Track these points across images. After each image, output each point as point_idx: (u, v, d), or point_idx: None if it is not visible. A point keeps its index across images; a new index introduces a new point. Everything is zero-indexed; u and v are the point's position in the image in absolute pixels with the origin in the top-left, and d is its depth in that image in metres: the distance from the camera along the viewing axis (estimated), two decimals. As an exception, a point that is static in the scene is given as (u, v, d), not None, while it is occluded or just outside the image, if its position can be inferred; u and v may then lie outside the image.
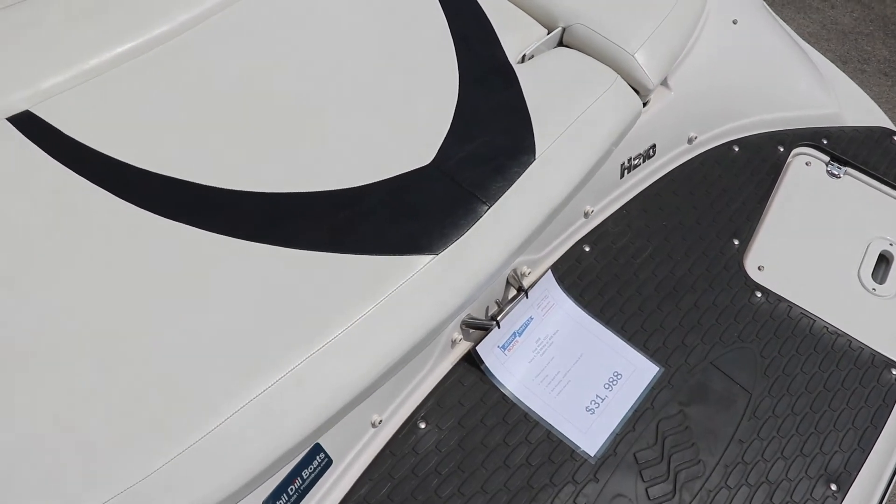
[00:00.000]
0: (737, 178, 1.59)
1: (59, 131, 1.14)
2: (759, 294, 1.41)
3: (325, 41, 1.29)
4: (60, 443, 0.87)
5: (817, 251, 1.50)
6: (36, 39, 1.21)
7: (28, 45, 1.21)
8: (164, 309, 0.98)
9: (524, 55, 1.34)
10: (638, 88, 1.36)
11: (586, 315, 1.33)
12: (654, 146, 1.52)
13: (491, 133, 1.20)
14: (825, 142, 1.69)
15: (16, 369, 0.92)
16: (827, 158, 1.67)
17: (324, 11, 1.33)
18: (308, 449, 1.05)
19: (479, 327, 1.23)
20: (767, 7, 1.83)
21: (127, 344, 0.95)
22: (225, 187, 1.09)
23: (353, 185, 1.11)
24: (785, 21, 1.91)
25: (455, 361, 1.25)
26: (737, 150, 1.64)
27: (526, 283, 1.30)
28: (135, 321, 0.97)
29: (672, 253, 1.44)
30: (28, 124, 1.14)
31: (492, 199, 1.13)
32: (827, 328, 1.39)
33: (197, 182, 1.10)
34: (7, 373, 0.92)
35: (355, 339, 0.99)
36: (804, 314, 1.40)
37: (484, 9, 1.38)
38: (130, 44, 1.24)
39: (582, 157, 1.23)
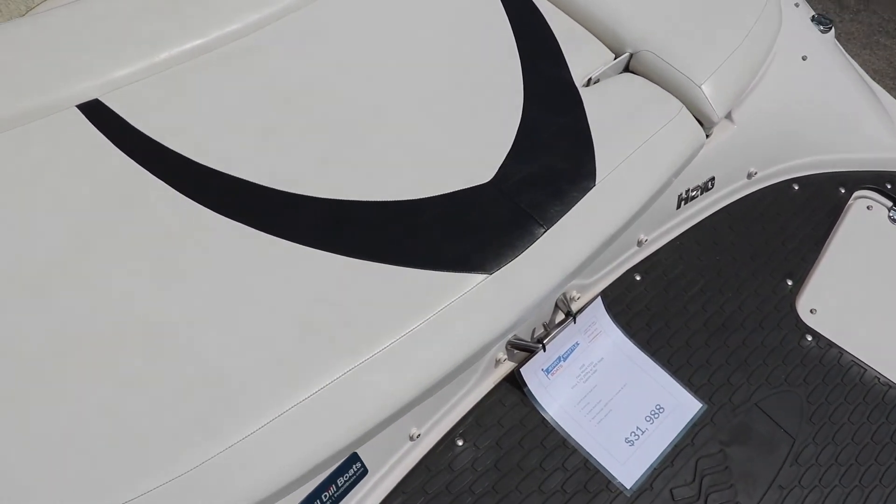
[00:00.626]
0: (795, 218, 1.56)
1: (126, 122, 1.15)
2: (809, 338, 1.39)
3: (395, 50, 1.30)
4: (106, 430, 0.88)
5: (873, 298, 1.47)
6: (110, 30, 1.23)
7: (102, 35, 1.23)
8: (216, 306, 0.99)
9: (590, 79, 1.33)
10: (702, 120, 1.34)
11: (633, 345, 1.31)
12: (712, 179, 1.50)
13: (552, 155, 1.19)
14: (888, 186, 1.65)
15: (68, 354, 0.93)
16: (890, 203, 1.63)
17: (395, 20, 1.34)
18: (345, 457, 1.05)
19: (524, 349, 1.22)
20: (838, 44, 1.80)
21: (178, 338, 0.96)
22: (284, 190, 1.10)
23: (410, 198, 1.11)
24: (850, 56, 1.88)
25: (497, 381, 1.24)
26: (797, 188, 1.61)
27: (574, 307, 1.29)
28: (185, 315, 0.98)
29: (723, 288, 1.42)
30: (96, 113, 1.16)
31: (549, 221, 1.12)
32: (878, 379, 1.36)
33: (256, 182, 1.11)
34: (60, 357, 0.93)
35: (402, 353, 0.99)
36: (855, 362, 1.37)
37: (553, 29, 1.37)
38: (201, 40, 1.25)
39: (642, 186, 1.22)
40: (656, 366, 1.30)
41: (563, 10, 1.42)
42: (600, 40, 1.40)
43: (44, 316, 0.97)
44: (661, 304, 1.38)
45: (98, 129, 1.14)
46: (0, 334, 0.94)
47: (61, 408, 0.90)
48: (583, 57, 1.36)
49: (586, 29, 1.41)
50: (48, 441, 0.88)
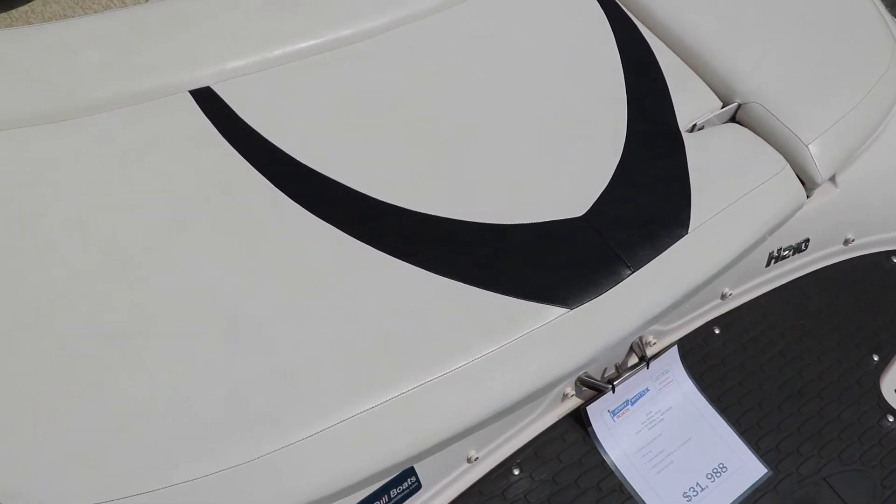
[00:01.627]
0: (888, 291, 1.50)
1: (234, 112, 1.19)
2: (891, 418, 1.33)
3: (502, 72, 1.30)
4: (173, 410, 0.91)
5: None
6: (230, 21, 1.27)
7: (222, 25, 1.27)
8: (299, 304, 1.01)
9: (695, 124, 1.31)
10: (804, 180, 1.31)
11: (703, 399, 1.29)
12: (807, 240, 1.46)
13: (648, 197, 1.18)
14: None
15: (149, 331, 0.96)
16: None
17: (506, 42, 1.35)
18: (402, 470, 1.06)
19: (593, 387, 1.20)
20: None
21: (258, 330, 0.98)
22: (378, 198, 1.11)
23: (502, 222, 1.11)
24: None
25: (562, 415, 1.23)
26: (895, 261, 1.55)
27: (649, 352, 1.27)
28: (268, 309, 1.00)
29: (804, 354, 1.38)
30: (206, 100, 1.19)
31: (637, 264, 1.11)
32: None
33: (352, 187, 1.12)
34: (141, 333, 0.96)
35: (474, 375, 0.99)
36: None
37: (663, 70, 1.36)
38: (315, 41, 1.28)
39: (735, 240, 1.20)
40: (724, 423, 1.27)
41: (674, 51, 1.41)
42: (709, 86, 1.38)
43: (132, 292, 1.00)
44: (737, 360, 1.34)
45: (206, 115, 1.18)
46: (90, 303, 0.98)
47: (135, 381, 0.92)
48: (690, 101, 1.34)
49: (696, 73, 1.39)
50: (117, 411, 0.90)
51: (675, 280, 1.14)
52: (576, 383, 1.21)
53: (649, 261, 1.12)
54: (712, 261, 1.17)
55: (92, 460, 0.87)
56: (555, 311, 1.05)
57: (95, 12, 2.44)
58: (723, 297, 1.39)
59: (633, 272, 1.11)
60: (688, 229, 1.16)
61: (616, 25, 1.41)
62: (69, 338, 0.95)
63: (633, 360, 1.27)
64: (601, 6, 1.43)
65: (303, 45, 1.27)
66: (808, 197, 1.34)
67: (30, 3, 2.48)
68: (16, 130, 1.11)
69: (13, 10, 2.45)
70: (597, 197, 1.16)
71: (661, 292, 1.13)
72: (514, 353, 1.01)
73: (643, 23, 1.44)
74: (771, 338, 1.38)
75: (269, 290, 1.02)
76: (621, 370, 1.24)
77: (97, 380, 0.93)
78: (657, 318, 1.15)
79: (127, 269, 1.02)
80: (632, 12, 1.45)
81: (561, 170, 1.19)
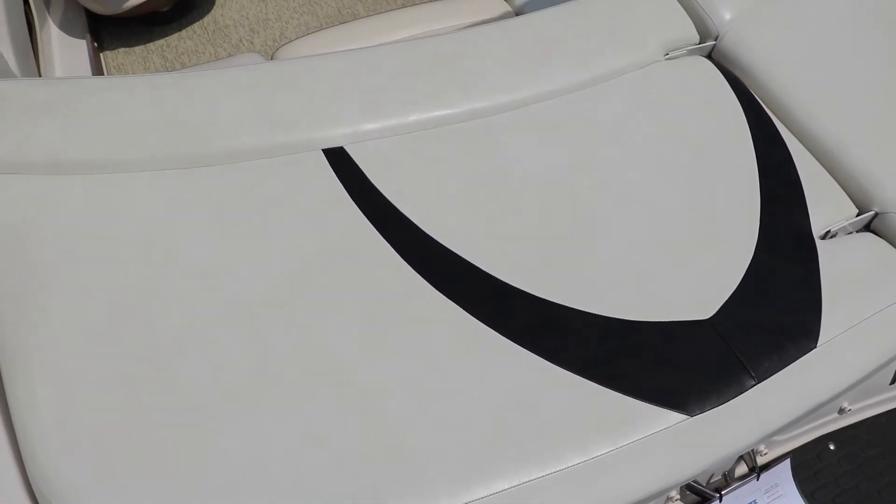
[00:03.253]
0: None
1: (364, 174, 1.20)
2: None
3: (635, 160, 1.28)
4: (278, 473, 0.91)
5: None
6: (370, 84, 1.29)
7: (361, 87, 1.29)
8: (415, 380, 1.00)
9: (828, 231, 1.26)
10: None
11: None
12: None
13: (777, 305, 1.14)
14: None
15: (264, 389, 0.98)
16: None
17: (641, 127, 1.33)
18: None
19: (700, 494, 1.16)
20: None
21: (371, 401, 0.98)
22: (503, 280, 1.11)
23: (625, 318, 1.09)
24: None
25: None
26: None
27: (760, 461, 1.22)
28: (384, 381, 1.00)
29: None
30: (338, 159, 1.21)
31: (761, 375, 1.07)
32: None
33: (477, 265, 1.12)
34: (256, 390, 0.97)
35: (584, 476, 0.97)
36: None
37: (799, 172, 1.32)
38: (450, 110, 1.29)
39: (865, 358, 1.14)
40: None
41: (811, 153, 1.37)
42: (846, 191, 1.34)
43: (252, 346, 1.01)
44: (852, 481, 1.28)
45: (337, 175, 1.19)
46: (210, 353, 1.00)
47: (246, 440, 0.93)
48: (825, 207, 1.30)
49: (833, 176, 1.35)
50: (223, 468, 0.91)
51: (799, 395, 1.09)
52: (681, 488, 1.17)
53: (774, 373, 1.08)
54: (839, 379, 1.12)
55: None
56: (674, 417, 1.02)
57: (229, 55, 2.54)
58: (841, 411, 1.33)
59: (756, 383, 1.07)
60: (816, 343, 1.12)
61: (752, 121, 1.38)
62: (185, 387, 0.97)
63: (743, 469, 1.22)
64: (738, 99, 1.40)
65: (439, 113, 1.28)
66: None
67: (166, 38, 2.59)
68: (152, 173, 1.15)
69: (150, 44, 2.57)
70: (724, 300, 1.13)
71: (784, 407, 1.08)
72: (628, 457, 0.99)
73: (781, 120, 1.41)
74: (890, 461, 1.31)
75: (386, 361, 1.02)
76: (729, 479, 1.20)
77: (208, 434, 0.94)
78: (777, 433, 1.10)
79: (248, 322, 1.03)
80: (769, 108, 1.42)
81: (689, 268, 1.16)
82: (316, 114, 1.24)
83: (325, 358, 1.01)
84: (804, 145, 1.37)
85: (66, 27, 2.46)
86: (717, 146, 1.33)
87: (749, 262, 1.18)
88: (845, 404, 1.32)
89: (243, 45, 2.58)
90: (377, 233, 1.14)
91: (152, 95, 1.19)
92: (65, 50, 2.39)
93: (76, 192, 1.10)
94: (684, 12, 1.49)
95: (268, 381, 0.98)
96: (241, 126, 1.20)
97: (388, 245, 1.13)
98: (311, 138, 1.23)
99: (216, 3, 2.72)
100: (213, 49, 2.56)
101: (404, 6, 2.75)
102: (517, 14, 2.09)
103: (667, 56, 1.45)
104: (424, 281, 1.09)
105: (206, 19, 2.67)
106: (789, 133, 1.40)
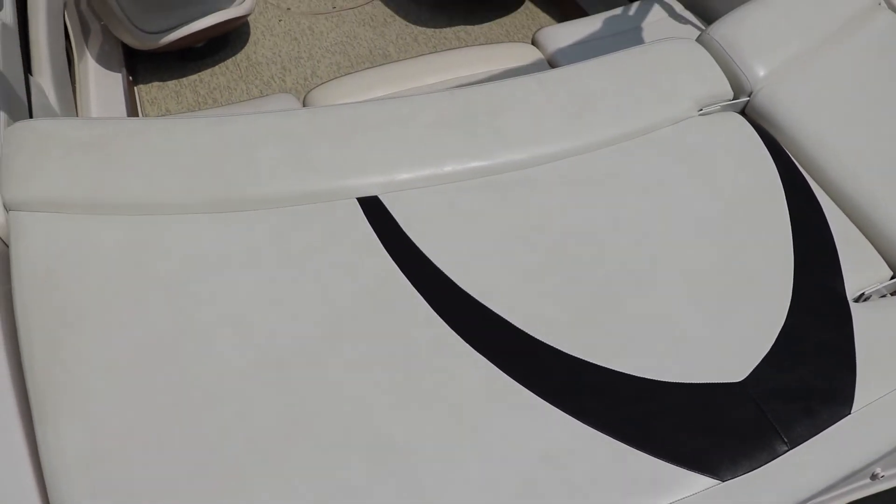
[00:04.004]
0: None
1: (398, 224, 1.20)
2: None
3: (669, 217, 1.28)
4: None
5: None
6: (404, 134, 1.30)
7: (396, 137, 1.29)
8: (446, 437, 0.99)
9: (863, 293, 1.25)
10: None
11: None
12: None
13: (810, 369, 1.13)
14: None
15: (293, 441, 0.97)
16: None
17: (675, 183, 1.33)
18: None
19: (728, 560, 1.14)
20: None
21: (402, 458, 0.97)
22: (536, 337, 1.10)
23: (657, 378, 1.08)
24: None
25: None
26: None
27: (789, 526, 1.20)
28: (415, 439, 0.99)
29: None
30: (373, 208, 1.21)
31: (794, 441, 1.06)
32: None
33: (510, 321, 1.11)
34: (285, 443, 0.96)
35: None
36: None
37: (833, 232, 1.31)
38: (485, 162, 1.29)
39: None
40: None
41: (845, 213, 1.36)
42: (880, 253, 1.32)
43: (282, 397, 1.01)
44: None
45: (371, 224, 1.19)
46: (239, 402, 0.99)
47: (273, 492, 0.92)
48: (859, 269, 1.28)
49: (867, 238, 1.34)
50: None
51: (832, 462, 1.07)
52: (709, 552, 1.15)
53: (807, 438, 1.06)
54: (874, 446, 1.10)
55: None
56: (705, 482, 1.00)
57: (261, 92, 2.57)
58: (873, 476, 1.30)
59: (789, 449, 1.05)
60: (850, 409, 1.10)
61: (786, 178, 1.37)
62: (213, 438, 0.96)
63: (772, 533, 1.20)
64: (771, 156, 1.40)
65: (474, 164, 1.28)
66: None
67: (199, 73, 2.63)
68: (188, 216, 1.16)
69: (183, 79, 2.61)
70: (756, 363, 1.12)
71: (816, 474, 1.06)
72: None
73: (814, 179, 1.40)
74: None
75: (417, 417, 1.01)
76: (758, 543, 1.17)
77: (234, 488, 0.93)
78: (809, 500, 1.08)
79: (279, 373, 1.03)
80: (802, 166, 1.42)
81: (721, 329, 1.15)
82: (351, 162, 1.25)
83: (356, 413, 1.01)
84: (838, 205, 1.37)
85: (103, 60, 2.50)
86: (751, 204, 1.33)
87: (782, 324, 1.17)
88: (878, 470, 1.30)
89: (275, 82, 2.62)
90: (410, 285, 1.14)
91: (190, 140, 1.21)
92: (101, 82, 2.43)
93: (113, 232, 1.11)
94: (719, 68, 1.50)
95: (297, 436, 0.98)
96: (277, 173, 1.21)
97: (421, 297, 1.12)
98: (346, 186, 1.23)
99: (249, 41, 2.77)
100: (245, 86, 2.60)
101: (435, 49, 2.79)
102: (549, 61, 2.10)
103: (700, 111, 1.45)
104: (457, 335, 1.09)
105: (239, 56, 2.72)
106: (822, 192, 1.39)
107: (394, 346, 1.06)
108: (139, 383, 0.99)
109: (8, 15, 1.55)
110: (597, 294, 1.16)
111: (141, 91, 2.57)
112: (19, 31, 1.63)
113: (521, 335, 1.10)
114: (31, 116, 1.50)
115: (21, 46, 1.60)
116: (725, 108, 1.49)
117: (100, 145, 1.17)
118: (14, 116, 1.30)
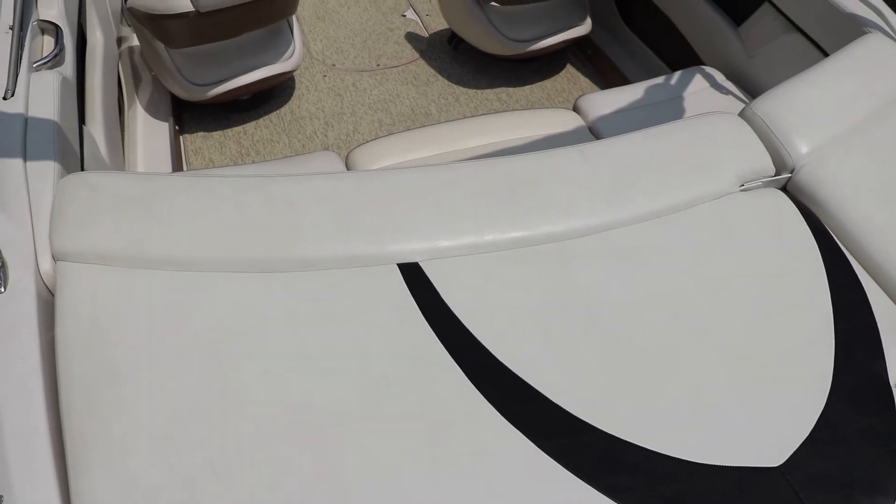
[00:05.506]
0: None
1: (437, 292, 1.20)
2: None
3: (706, 293, 1.27)
4: None
5: None
6: (447, 202, 1.30)
7: (438, 204, 1.30)
8: None
9: (905, 379, 1.23)
10: None
11: None
12: None
13: (850, 456, 1.10)
14: None
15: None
16: None
17: (714, 261, 1.32)
18: None
19: None
20: None
21: None
22: (570, 411, 1.09)
23: (694, 459, 1.06)
24: None
25: None
26: None
27: None
28: None
29: None
30: (413, 275, 1.22)
31: None
32: None
33: (545, 395, 1.10)
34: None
35: None
36: None
37: (875, 314, 1.29)
38: (525, 233, 1.29)
39: None
40: None
41: (889, 296, 1.34)
42: None
43: (316, 464, 1.00)
44: None
45: (410, 291, 1.20)
46: (271, 465, 0.99)
47: None
48: None
49: None
50: None
51: None
52: None
53: None
54: None
55: None
56: None
57: (303, 145, 2.61)
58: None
59: None
60: (893, 500, 1.07)
61: (827, 257, 1.36)
62: (246, 498, 0.96)
63: None
64: (813, 234, 1.39)
65: (514, 234, 1.29)
66: None
67: (243, 125, 2.68)
68: (231, 274, 1.17)
69: (228, 130, 2.66)
70: (795, 448, 1.10)
71: None
72: None
73: (856, 258, 1.39)
74: None
75: (449, 486, 1.00)
76: None
77: None
78: None
79: (314, 437, 1.03)
80: (844, 245, 1.40)
81: (759, 411, 1.13)
82: (393, 228, 1.26)
83: (390, 483, 1.00)
84: (881, 286, 1.35)
85: (151, 109, 2.57)
86: (791, 282, 1.31)
87: (822, 408, 1.15)
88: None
89: (317, 137, 2.66)
90: (447, 354, 1.13)
91: (236, 198, 1.23)
92: (149, 130, 2.49)
93: (157, 287, 1.13)
94: (761, 144, 1.50)
95: (329, 501, 0.97)
96: (321, 235, 1.22)
97: (458, 367, 1.12)
98: (387, 252, 1.24)
99: (294, 95, 2.82)
100: (288, 139, 2.65)
101: (477, 110, 2.82)
102: (590, 128, 2.12)
103: (742, 187, 1.45)
104: (492, 408, 1.08)
105: (283, 109, 2.77)
106: (864, 272, 1.37)
107: (428, 415, 1.06)
108: (175, 441, 0.99)
109: (68, 68, 1.60)
110: (633, 370, 1.15)
111: (186, 140, 2.63)
112: (77, 82, 1.69)
113: (557, 410, 1.09)
114: (83, 165, 1.54)
115: (77, 97, 1.65)
116: (767, 184, 1.49)
117: (147, 201, 1.20)
118: (68, 167, 1.34)
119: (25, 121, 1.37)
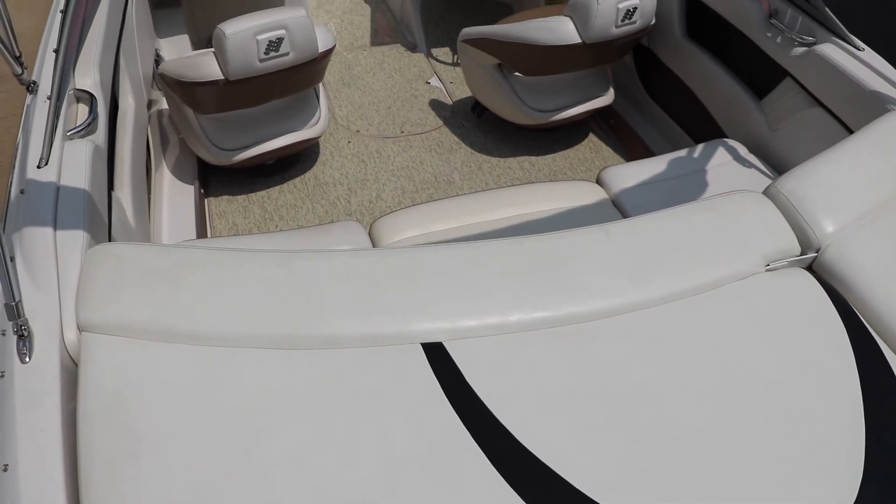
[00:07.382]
0: None
1: (461, 373, 1.19)
2: None
3: (732, 375, 1.25)
4: None
5: None
6: (471, 281, 1.30)
7: (463, 284, 1.29)
8: None
9: (939, 469, 1.19)
10: None
11: None
12: None
13: None
14: None
15: None
16: None
17: (739, 344, 1.30)
18: None
19: None
20: None
21: None
22: (592, 497, 1.06)
23: None
24: None
25: None
26: None
27: None
28: None
29: None
30: (437, 355, 1.20)
31: None
32: None
33: (573, 484, 1.08)
34: None
35: None
36: None
37: None
38: (549, 313, 1.28)
39: None
40: None
41: None
42: None
43: None
44: None
45: (434, 371, 1.18)
46: None
47: None
48: None
49: None
50: None
51: None
52: None
53: None
54: None
55: None
56: None
57: (325, 211, 2.63)
58: None
59: None
60: None
61: (855, 340, 1.34)
62: None
63: None
64: (840, 316, 1.37)
65: (539, 314, 1.27)
66: None
67: (267, 190, 2.72)
68: (254, 350, 1.17)
69: (252, 194, 2.69)
70: None
71: None
72: None
73: (884, 341, 1.36)
74: None
75: None
76: None
77: None
78: None
79: None
80: (872, 327, 1.38)
81: (789, 501, 1.10)
82: (418, 307, 1.26)
83: None
84: None
85: (177, 172, 2.61)
86: (819, 366, 1.29)
87: (854, 498, 1.11)
88: None
89: (340, 203, 2.68)
90: (470, 437, 1.11)
91: (260, 273, 1.23)
92: (174, 192, 2.53)
93: (179, 361, 1.12)
94: (787, 224, 1.49)
95: None
96: (345, 313, 1.22)
97: (481, 451, 1.10)
98: (411, 331, 1.23)
99: (318, 161, 2.86)
100: (311, 205, 2.67)
101: (499, 178, 2.84)
102: (613, 201, 2.12)
103: (767, 267, 1.44)
104: (515, 494, 1.06)
105: (308, 175, 2.80)
106: (894, 355, 1.35)
107: (451, 499, 1.04)
108: None
109: (100, 136, 1.63)
110: (658, 455, 1.13)
111: (211, 204, 2.66)
112: (108, 147, 1.72)
113: (581, 497, 1.06)
114: (110, 232, 1.55)
115: (108, 161, 1.68)
116: (793, 264, 1.48)
117: (173, 274, 1.21)
118: (96, 235, 1.35)
119: (57, 189, 1.39)
